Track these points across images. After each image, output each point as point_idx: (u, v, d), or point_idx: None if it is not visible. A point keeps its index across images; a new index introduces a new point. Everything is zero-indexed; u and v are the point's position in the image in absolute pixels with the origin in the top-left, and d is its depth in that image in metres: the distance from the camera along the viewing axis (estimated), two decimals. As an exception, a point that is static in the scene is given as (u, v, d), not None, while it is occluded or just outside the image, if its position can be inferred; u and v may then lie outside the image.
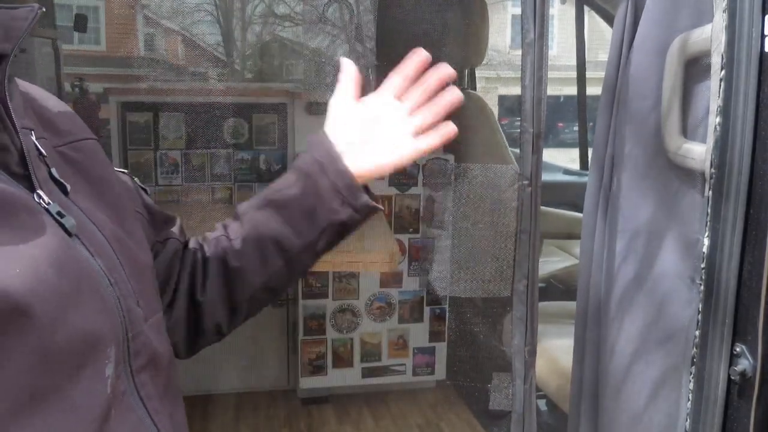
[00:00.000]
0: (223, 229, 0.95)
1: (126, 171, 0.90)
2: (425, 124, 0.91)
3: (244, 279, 0.93)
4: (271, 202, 0.93)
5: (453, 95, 0.91)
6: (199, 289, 0.93)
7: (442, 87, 0.92)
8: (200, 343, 0.95)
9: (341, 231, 0.92)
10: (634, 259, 0.96)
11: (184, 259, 0.94)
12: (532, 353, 1.09)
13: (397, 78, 0.93)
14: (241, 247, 0.92)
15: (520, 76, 1.04)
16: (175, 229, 0.95)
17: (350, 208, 0.90)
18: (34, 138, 0.66)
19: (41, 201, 0.62)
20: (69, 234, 0.62)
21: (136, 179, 0.92)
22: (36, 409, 0.54)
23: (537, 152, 1.03)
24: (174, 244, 0.93)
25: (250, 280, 0.93)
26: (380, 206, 0.92)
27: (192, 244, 0.96)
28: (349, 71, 0.94)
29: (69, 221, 0.63)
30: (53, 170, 0.67)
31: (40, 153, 0.66)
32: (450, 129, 0.91)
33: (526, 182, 1.03)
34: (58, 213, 0.62)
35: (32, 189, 0.63)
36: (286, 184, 0.93)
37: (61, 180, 0.67)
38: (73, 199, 0.68)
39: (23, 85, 0.75)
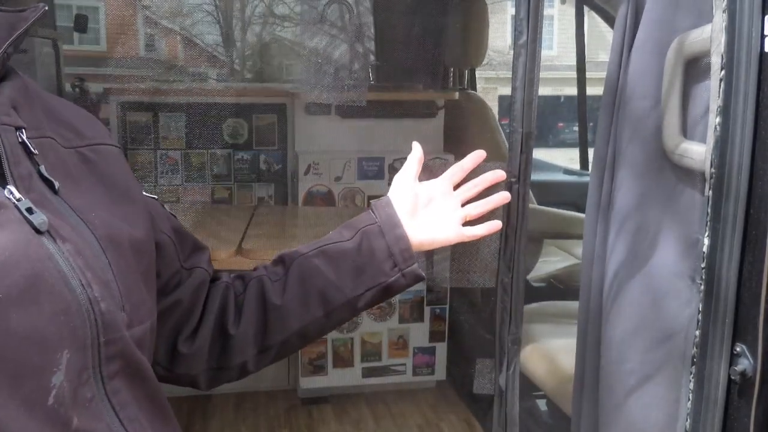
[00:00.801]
0: (265, 270, 0.97)
1: (155, 197, 0.90)
2: (472, 216, 1.01)
3: (282, 322, 0.94)
4: (324, 252, 0.96)
5: (502, 197, 1.04)
6: (232, 324, 0.93)
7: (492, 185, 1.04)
8: (222, 377, 0.96)
9: (385, 293, 0.95)
10: (635, 258, 0.96)
11: (213, 290, 0.94)
12: (516, 342, 1.12)
13: (456, 169, 1.04)
14: (286, 289, 0.94)
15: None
16: (203, 259, 0.95)
17: (399, 272, 0.95)
18: (24, 136, 0.66)
19: (12, 197, 0.61)
20: (38, 231, 0.61)
21: (165, 205, 0.92)
22: None
23: (526, 151, 1.06)
24: (201, 274, 0.93)
25: (288, 324, 0.94)
26: (425, 276, 0.98)
27: (224, 278, 0.97)
28: (416, 153, 1.04)
29: (38, 218, 0.62)
30: (42, 168, 0.66)
31: (28, 150, 0.66)
32: (496, 225, 1.03)
33: (513, 179, 1.07)
34: (28, 209, 0.61)
35: (5, 184, 0.62)
36: (341, 238, 0.96)
37: (50, 177, 0.66)
38: (65, 197, 0.67)
39: (39, 90, 0.77)
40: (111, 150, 0.80)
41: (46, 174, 0.66)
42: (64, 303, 0.60)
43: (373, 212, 0.98)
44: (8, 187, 0.62)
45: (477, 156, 1.04)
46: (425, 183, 1.03)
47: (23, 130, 0.67)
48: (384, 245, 0.95)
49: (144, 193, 0.85)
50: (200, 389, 0.96)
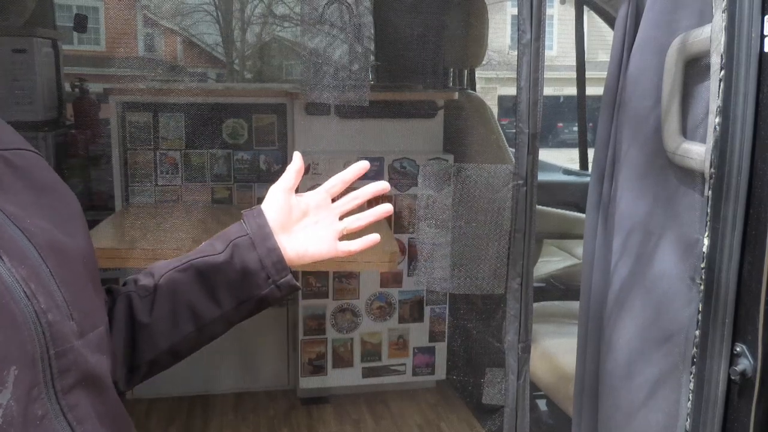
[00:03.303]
0: (134, 284, 0.91)
1: None
2: (351, 229, 0.97)
3: (150, 340, 0.89)
4: (194, 266, 0.91)
5: (384, 209, 0.97)
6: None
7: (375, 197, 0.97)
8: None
9: (260, 305, 0.93)
10: (635, 258, 0.96)
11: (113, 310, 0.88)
12: (526, 350, 1.10)
13: (335, 180, 0.98)
14: (154, 307, 0.89)
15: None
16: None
17: (273, 284, 0.92)
18: None
19: None
20: None
21: None
22: None
23: (533, 152, 1.04)
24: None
25: (157, 342, 0.89)
26: (300, 286, 0.94)
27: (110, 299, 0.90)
28: (296, 164, 0.98)
29: None
30: None
31: None
32: (373, 239, 0.97)
33: (521, 182, 1.05)
34: None
35: None
36: (212, 251, 0.92)
37: None
38: (0, 206, 0.63)
39: None
40: (35, 156, 0.74)
41: None
42: (10, 317, 0.57)
43: (244, 223, 0.94)
44: None
45: (359, 168, 0.97)
46: (301, 195, 0.98)
47: None
48: (256, 257, 0.91)
49: None
50: None
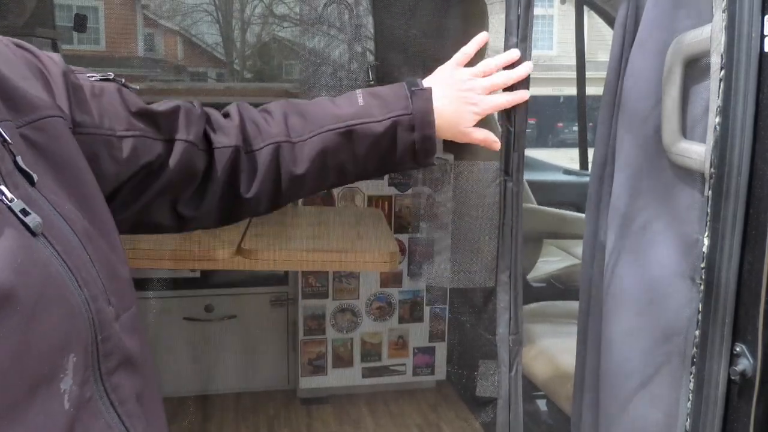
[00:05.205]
0: (285, 126, 0.95)
1: (112, 78, 0.84)
2: (497, 84, 1.03)
3: (297, 189, 0.97)
4: (353, 132, 0.95)
5: (526, 67, 1.04)
6: (245, 188, 0.94)
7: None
8: (231, 222, 0.99)
9: (395, 172, 1.01)
10: (634, 258, 0.96)
11: (218, 156, 0.92)
12: (517, 342, 1.12)
13: (489, 66, 1.06)
14: (306, 161, 0.94)
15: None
16: (178, 127, 0.89)
17: (417, 164, 0.99)
18: None
19: (4, 198, 0.56)
20: (33, 234, 0.57)
21: (115, 77, 0.85)
22: None
23: (518, 150, 1.08)
24: (181, 146, 0.89)
25: (303, 191, 0.98)
26: (435, 163, 1.02)
27: (228, 140, 0.93)
28: (476, 42, 1.09)
29: (34, 220, 0.57)
30: (18, 158, 0.60)
31: (4, 140, 0.59)
32: (522, 95, 1.03)
33: (507, 178, 1.09)
34: (22, 211, 0.57)
35: None
36: (370, 117, 0.96)
37: (27, 169, 0.60)
38: (41, 190, 0.61)
39: None
40: (54, 123, 0.68)
41: (23, 166, 0.60)
42: (68, 307, 0.58)
43: (410, 99, 0.97)
44: (0, 187, 0.57)
45: (511, 55, 1.05)
46: (463, 69, 1.06)
47: None
48: (410, 140, 0.96)
49: (76, 70, 0.78)
50: (209, 228, 1.00)
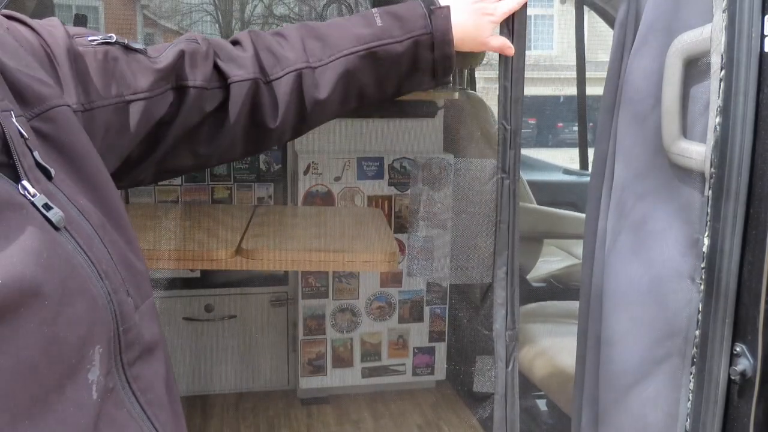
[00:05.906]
0: (303, 51, 0.95)
1: (126, 43, 0.82)
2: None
3: (320, 114, 0.99)
4: (374, 54, 0.96)
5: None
6: (270, 118, 0.95)
7: None
8: (257, 152, 1.03)
9: (411, 92, 1.02)
10: (635, 258, 0.96)
11: (234, 91, 0.92)
12: (514, 338, 1.13)
13: None
14: (329, 86, 0.95)
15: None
16: (187, 74, 0.88)
17: (435, 83, 1.01)
18: (14, 119, 0.59)
19: (26, 193, 0.56)
20: (56, 228, 0.57)
21: (117, 39, 0.82)
22: (22, 427, 0.50)
23: (514, 148, 1.10)
24: (191, 92, 0.88)
25: (326, 114, 1.00)
26: (450, 81, 1.06)
27: (245, 72, 0.92)
28: None
29: (56, 215, 0.57)
30: (35, 153, 0.60)
31: (22, 135, 0.59)
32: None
33: (504, 175, 1.10)
34: (45, 205, 0.57)
35: (17, 179, 0.57)
36: (391, 38, 0.97)
37: (45, 164, 0.60)
38: (58, 185, 0.61)
39: None
40: (62, 113, 0.67)
41: (41, 161, 0.60)
42: (92, 299, 0.58)
43: (428, 18, 0.97)
44: (22, 182, 0.57)
45: None
46: None
47: (11, 112, 0.59)
48: (430, 59, 0.97)
49: (78, 32, 0.78)
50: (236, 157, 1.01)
